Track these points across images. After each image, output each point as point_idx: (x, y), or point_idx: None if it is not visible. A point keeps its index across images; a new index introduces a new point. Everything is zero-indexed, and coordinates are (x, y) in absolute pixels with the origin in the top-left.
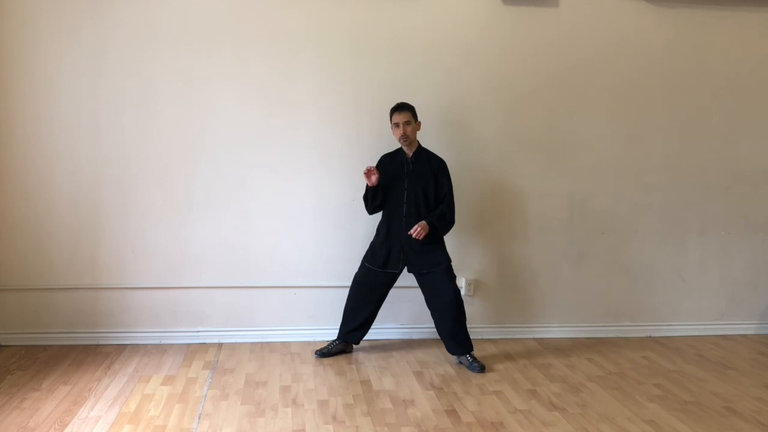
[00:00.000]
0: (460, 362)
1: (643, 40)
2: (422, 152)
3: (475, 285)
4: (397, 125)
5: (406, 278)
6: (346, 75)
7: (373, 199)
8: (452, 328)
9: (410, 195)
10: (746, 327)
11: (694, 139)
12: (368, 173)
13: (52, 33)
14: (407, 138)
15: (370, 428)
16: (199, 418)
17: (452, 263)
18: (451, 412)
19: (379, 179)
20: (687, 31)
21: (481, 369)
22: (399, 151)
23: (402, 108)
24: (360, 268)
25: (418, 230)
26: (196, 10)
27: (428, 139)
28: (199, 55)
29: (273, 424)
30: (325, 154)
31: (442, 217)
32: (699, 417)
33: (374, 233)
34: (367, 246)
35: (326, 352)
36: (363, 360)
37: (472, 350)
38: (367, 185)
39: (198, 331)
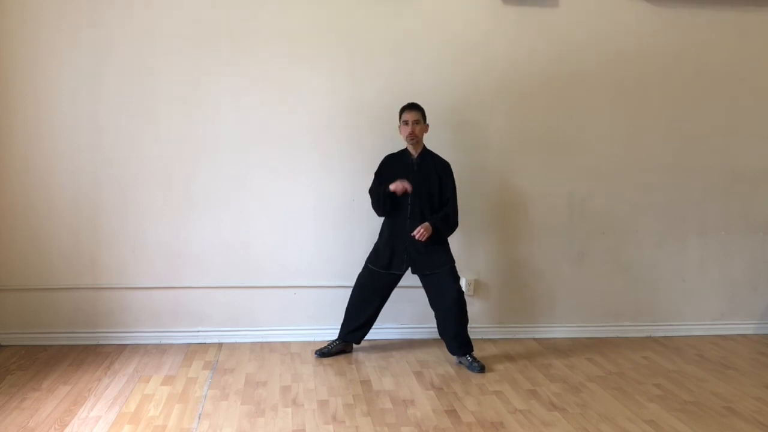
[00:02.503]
0: (460, 362)
1: (643, 40)
2: (427, 154)
3: (476, 285)
4: (406, 123)
5: (408, 278)
6: (347, 75)
7: (390, 203)
8: (455, 328)
9: (414, 196)
10: (746, 327)
11: (694, 139)
12: (402, 187)
13: (52, 33)
14: (415, 137)
15: (370, 428)
16: (199, 418)
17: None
18: (451, 412)
19: (386, 179)
20: (687, 31)
21: (481, 369)
22: (404, 151)
23: (413, 107)
24: (363, 270)
25: (421, 232)
26: (196, 10)
27: (429, 139)
28: (199, 54)
29: (273, 424)
30: (325, 154)
31: (446, 219)
32: (699, 417)
33: (374, 233)
34: (368, 245)
35: (326, 352)
36: (363, 360)
37: (473, 351)
38: (386, 190)
39: (198, 331)
